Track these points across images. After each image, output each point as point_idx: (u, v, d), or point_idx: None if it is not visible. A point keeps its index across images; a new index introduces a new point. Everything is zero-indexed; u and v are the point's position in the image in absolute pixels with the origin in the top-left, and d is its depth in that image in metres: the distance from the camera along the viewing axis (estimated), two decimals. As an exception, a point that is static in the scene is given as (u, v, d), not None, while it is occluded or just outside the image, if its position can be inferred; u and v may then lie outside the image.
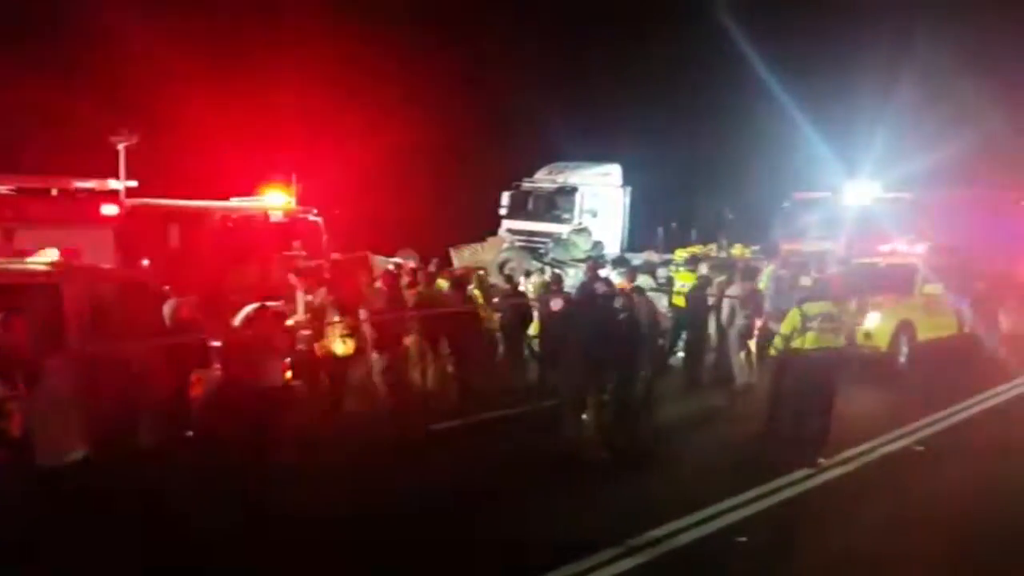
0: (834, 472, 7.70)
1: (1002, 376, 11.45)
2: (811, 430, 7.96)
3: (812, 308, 8.12)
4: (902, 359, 12.13)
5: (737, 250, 17.38)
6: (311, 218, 11.97)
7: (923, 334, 12.42)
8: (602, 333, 8.19)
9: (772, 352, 8.70)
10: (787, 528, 6.50)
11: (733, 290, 11.76)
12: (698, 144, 26.88)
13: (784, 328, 8.26)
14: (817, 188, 18.43)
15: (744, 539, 6.17)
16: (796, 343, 8.04)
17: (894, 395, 10.77)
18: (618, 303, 8.77)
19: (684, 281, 12.95)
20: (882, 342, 11.98)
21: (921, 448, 8.52)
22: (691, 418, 9.98)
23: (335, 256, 12.28)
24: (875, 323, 12.01)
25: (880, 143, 19.11)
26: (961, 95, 22.12)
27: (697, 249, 17.31)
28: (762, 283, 12.25)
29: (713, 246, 17.54)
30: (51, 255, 7.14)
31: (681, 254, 16.82)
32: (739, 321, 11.28)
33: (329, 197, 13.67)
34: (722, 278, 12.45)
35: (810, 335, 7.99)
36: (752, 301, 11.43)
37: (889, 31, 23.42)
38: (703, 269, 12.88)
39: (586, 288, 9.97)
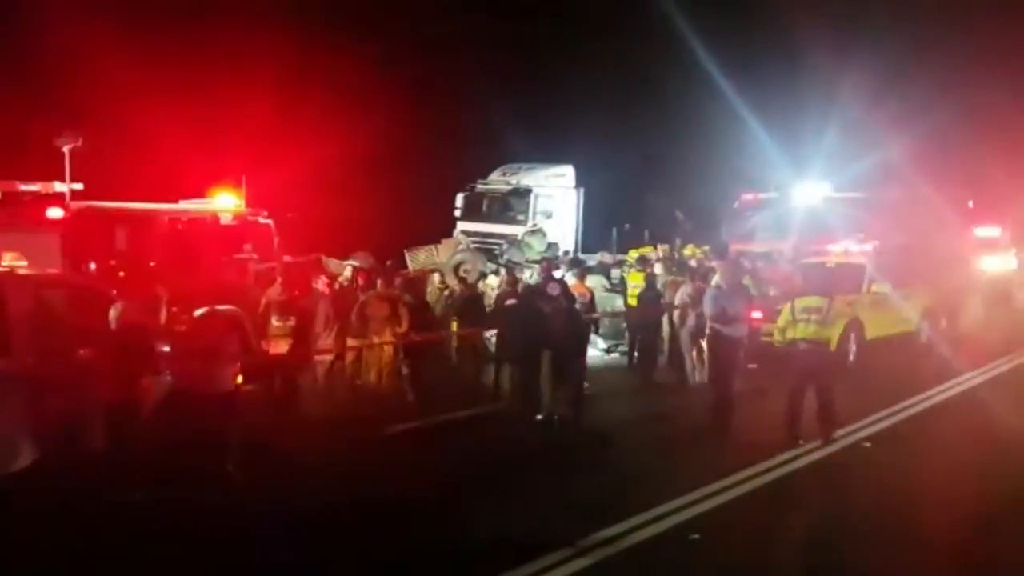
0: (784, 469, 7.84)
1: (947, 373, 11.78)
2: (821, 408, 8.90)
3: (801, 302, 9.07)
4: (851, 357, 12.38)
5: (689, 250, 17.62)
6: (262, 220, 11.80)
7: (871, 332, 12.71)
8: (538, 325, 9.33)
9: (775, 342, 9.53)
10: (740, 525, 6.58)
11: (684, 289, 11.96)
12: (650, 145, 27.22)
13: (780, 321, 9.13)
14: (767, 188, 18.81)
15: (697, 536, 6.23)
16: (789, 334, 8.95)
17: (843, 393, 10.95)
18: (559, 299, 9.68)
19: (635, 282, 13.14)
20: (831, 340, 12.24)
21: (869, 444, 8.74)
22: (643, 417, 10.10)
23: (287, 259, 12.09)
24: (824, 322, 12.25)
25: (828, 143, 19.59)
26: (908, 94, 22.76)
27: (649, 250, 17.50)
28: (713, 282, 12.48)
29: (666, 247, 17.74)
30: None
31: (634, 255, 17.01)
32: (690, 321, 11.47)
33: (281, 200, 13.51)
34: (672, 278, 12.67)
35: (800, 327, 8.86)
36: (703, 300, 11.65)
37: (835, 31, 24.06)
38: (657, 269, 13.06)
39: (529, 287, 10.96)
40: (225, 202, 11.83)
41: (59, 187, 10.33)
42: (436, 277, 13.34)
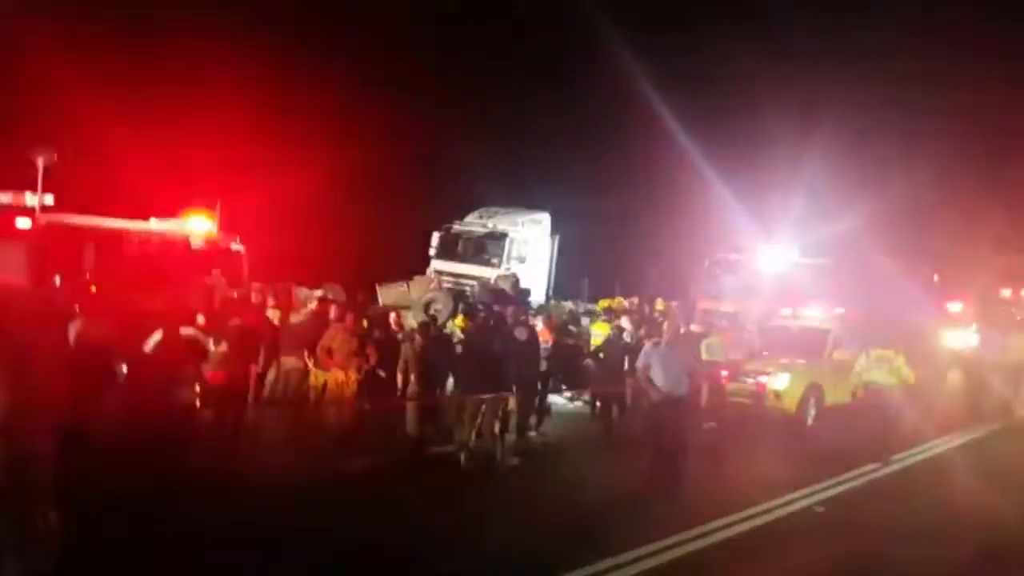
0: (738, 528, 7.80)
1: (907, 441, 11.83)
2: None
3: (875, 352, 11.41)
4: (810, 421, 12.52)
5: (660, 305, 17.82)
6: (234, 247, 11.69)
7: (831, 398, 12.82)
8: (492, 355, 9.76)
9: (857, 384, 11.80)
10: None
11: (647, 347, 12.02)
12: (627, 201, 27.67)
13: (857, 367, 11.72)
14: (737, 250, 19.15)
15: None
16: (865, 377, 11.37)
17: (800, 456, 11.06)
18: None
19: (600, 331, 13.23)
20: (791, 404, 12.37)
21: (821, 509, 8.73)
22: (598, 469, 10.08)
23: (256, 286, 12.00)
24: (784, 384, 12.41)
25: (797, 208, 20.08)
26: (874, 164, 23.48)
27: (617, 302, 17.66)
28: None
29: (634, 299, 17.92)
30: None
31: (603, 304, 17.15)
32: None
33: (256, 226, 13.45)
34: (632, 330, 12.79)
35: (874, 372, 11.32)
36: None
37: (804, 99, 24.87)
38: (624, 323, 13.17)
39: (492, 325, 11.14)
40: (198, 225, 11.72)
41: (30, 199, 10.21)
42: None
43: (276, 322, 10.58)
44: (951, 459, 11.54)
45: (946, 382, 16.47)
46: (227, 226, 12.04)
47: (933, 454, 11.77)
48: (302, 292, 13.81)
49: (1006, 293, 26.23)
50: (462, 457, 9.59)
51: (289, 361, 10.85)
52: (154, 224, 11.66)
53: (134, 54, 20.44)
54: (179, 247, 11.16)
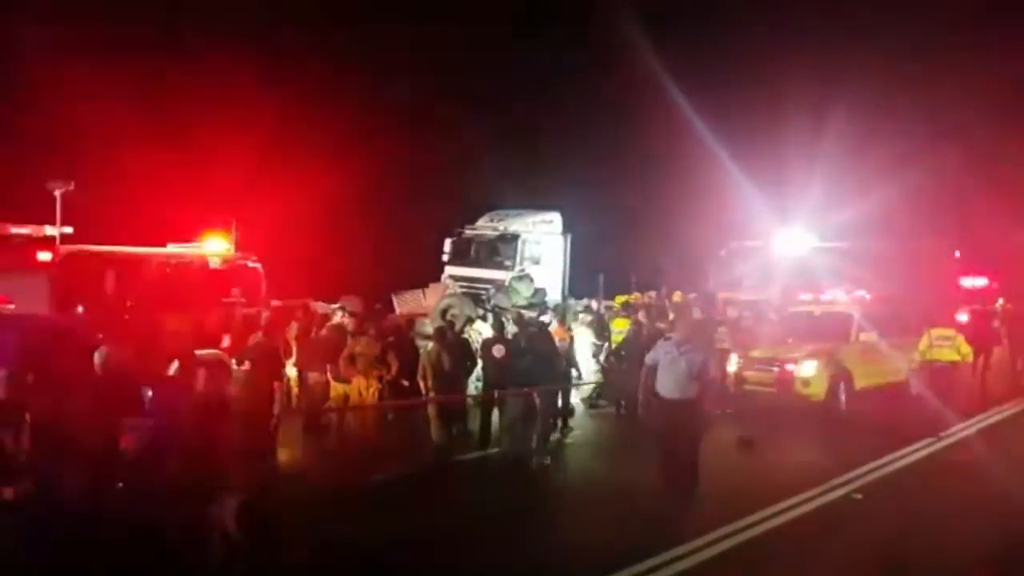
0: (773, 522, 7.71)
1: (938, 424, 11.66)
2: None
3: (936, 332, 12.32)
4: (841, 406, 12.32)
5: (677, 297, 17.71)
6: (251, 264, 11.76)
7: (860, 382, 12.64)
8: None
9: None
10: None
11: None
12: (638, 193, 27.57)
13: (921, 346, 12.37)
14: (753, 237, 18.98)
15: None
16: (928, 356, 12.16)
17: (832, 443, 10.95)
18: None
19: (619, 328, 13.15)
20: (819, 391, 12.20)
21: (859, 496, 8.63)
22: (617, 464, 10.01)
23: (275, 303, 12.05)
24: (812, 372, 12.23)
25: (813, 193, 19.87)
26: (893, 145, 23.26)
27: (634, 297, 17.55)
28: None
29: (652, 293, 17.82)
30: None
31: (620, 300, 17.06)
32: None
33: (271, 243, 13.50)
34: (648, 323, 12.71)
35: (935, 351, 12.24)
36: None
37: (821, 81, 24.66)
38: (641, 316, 13.08)
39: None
40: (214, 246, 11.82)
41: (49, 231, 10.36)
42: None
43: (295, 337, 10.59)
44: (983, 441, 11.39)
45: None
46: (244, 245, 12.11)
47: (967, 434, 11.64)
48: (320, 306, 13.86)
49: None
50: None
51: (312, 376, 10.93)
52: (172, 248, 11.76)
53: (140, 80, 20.58)
54: (198, 269, 11.24)
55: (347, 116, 23.72)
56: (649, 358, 8.23)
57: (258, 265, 11.81)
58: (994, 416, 12.76)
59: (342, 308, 13.40)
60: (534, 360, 10.18)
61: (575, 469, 10.25)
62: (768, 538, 7.30)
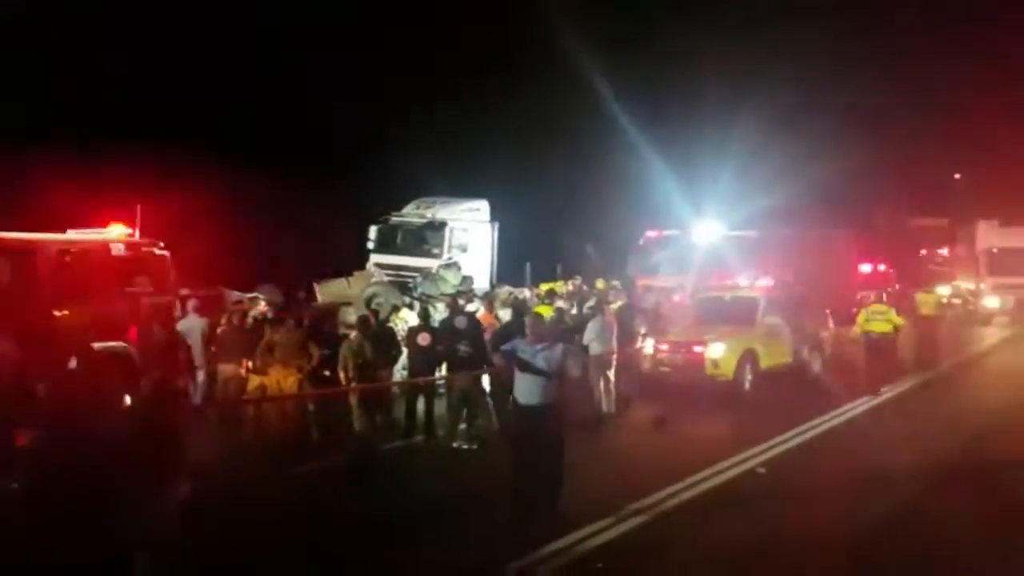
0: (684, 495, 8.00)
1: (836, 402, 12.35)
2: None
3: (873, 307, 13.84)
4: (747, 386, 12.86)
5: (600, 284, 18.00)
6: (157, 251, 11.23)
7: (765, 362, 13.23)
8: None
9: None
10: (638, 553, 6.67)
11: (594, 322, 12.19)
12: (563, 183, 27.88)
13: (860, 319, 13.96)
14: (670, 226, 19.50)
15: (600, 565, 6.29)
16: (865, 328, 13.69)
17: (739, 420, 11.40)
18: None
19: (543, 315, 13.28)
20: (728, 370, 12.70)
21: (763, 471, 8.99)
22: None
23: (184, 292, 11.65)
24: (721, 353, 12.71)
25: (726, 185, 20.55)
26: (799, 138, 24.22)
27: (559, 284, 17.77)
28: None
29: (576, 281, 18.07)
30: None
31: (544, 288, 17.24)
32: (595, 352, 11.70)
33: (184, 229, 13.08)
34: (573, 311, 12.91)
35: (873, 323, 13.73)
36: (609, 331, 11.96)
37: (732, 76, 25.44)
38: (561, 304, 13.26)
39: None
40: (117, 232, 11.24)
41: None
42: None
43: (205, 329, 10.32)
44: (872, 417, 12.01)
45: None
46: (150, 231, 11.56)
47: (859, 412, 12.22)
48: (234, 296, 13.53)
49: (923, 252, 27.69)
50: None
51: (227, 369, 10.68)
52: (72, 235, 11.15)
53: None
54: (100, 256, 10.64)
55: (266, 94, 23.15)
56: (506, 347, 7.54)
57: (165, 252, 11.26)
58: (887, 393, 13.45)
59: (259, 297, 13.17)
60: (468, 347, 10.22)
61: (501, 455, 10.27)
62: (676, 511, 7.57)
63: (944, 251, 31.07)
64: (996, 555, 6.42)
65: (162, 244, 11.26)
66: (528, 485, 7.07)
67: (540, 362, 7.06)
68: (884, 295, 15.81)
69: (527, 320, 8.36)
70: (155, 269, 11.04)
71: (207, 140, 21.43)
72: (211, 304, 12.04)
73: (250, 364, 10.29)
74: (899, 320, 14.06)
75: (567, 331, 12.42)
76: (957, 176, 39.20)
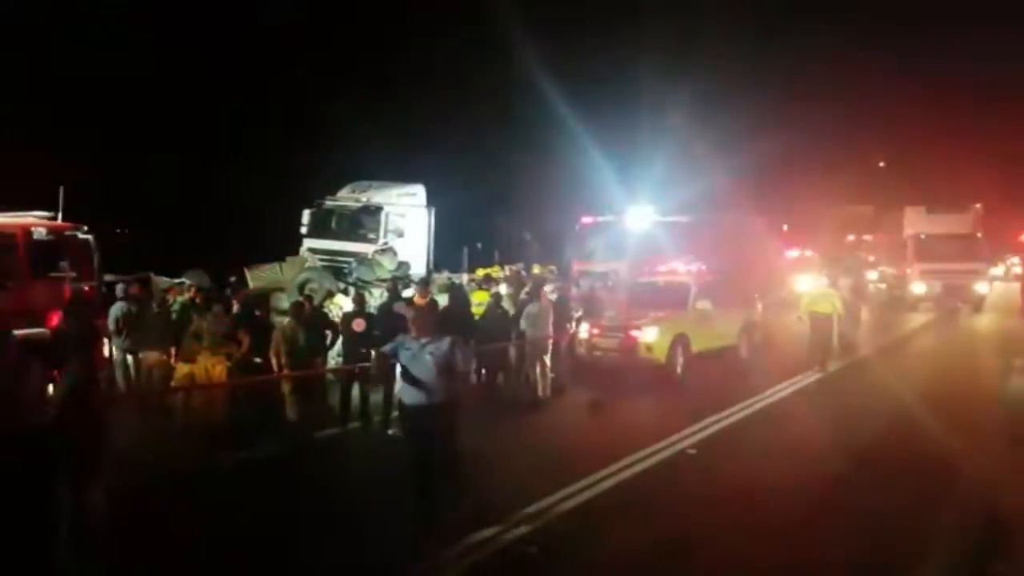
0: (617, 477, 8.11)
1: (764, 383, 12.73)
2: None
3: (817, 291, 15.22)
4: (679, 369, 13.16)
5: (537, 269, 18.15)
6: (80, 236, 10.83)
7: (696, 346, 13.54)
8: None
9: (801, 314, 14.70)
10: (575, 534, 6.75)
11: (531, 307, 12.31)
12: (501, 169, 27.95)
13: (805, 300, 15.01)
14: (606, 213, 19.77)
15: (534, 549, 6.37)
16: (812, 308, 14.59)
17: (671, 403, 11.67)
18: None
19: (479, 300, 13.35)
20: (660, 354, 12.96)
21: (694, 451, 9.23)
22: (486, 433, 10.23)
23: (109, 278, 11.28)
24: (654, 337, 12.96)
25: (659, 172, 20.95)
26: (729, 126, 24.88)
27: (496, 270, 17.83)
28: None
29: (513, 267, 18.17)
30: None
31: (480, 273, 17.27)
32: (531, 336, 11.82)
33: (109, 213, 12.62)
34: (511, 294, 13.00)
35: (818, 304, 14.61)
36: (545, 317, 12.09)
37: (665, 66, 25.92)
38: (502, 289, 13.33)
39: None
40: (38, 215, 10.81)
41: None
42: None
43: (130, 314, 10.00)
44: (799, 399, 12.43)
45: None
46: (75, 215, 11.14)
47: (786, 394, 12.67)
48: (161, 281, 13.17)
49: (850, 238, 28.76)
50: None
51: (151, 356, 10.41)
52: (-10, 216, 10.64)
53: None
54: (20, 240, 10.20)
55: (206, 72, 22.49)
56: (387, 348, 7.06)
57: (89, 237, 10.86)
58: (816, 375, 13.99)
59: (185, 283, 12.83)
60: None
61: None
62: (601, 497, 7.62)
63: (868, 237, 32.22)
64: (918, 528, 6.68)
65: (86, 228, 10.87)
66: (427, 482, 6.78)
67: (426, 357, 6.65)
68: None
69: (408, 313, 7.93)
70: (79, 254, 10.65)
71: (136, 122, 20.68)
72: (137, 290, 11.67)
73: (174, 351, 10.05)
74: (839, 304, 14.81)
75: (503, 316, 12.53)
76: (881, 164, 40.80)
